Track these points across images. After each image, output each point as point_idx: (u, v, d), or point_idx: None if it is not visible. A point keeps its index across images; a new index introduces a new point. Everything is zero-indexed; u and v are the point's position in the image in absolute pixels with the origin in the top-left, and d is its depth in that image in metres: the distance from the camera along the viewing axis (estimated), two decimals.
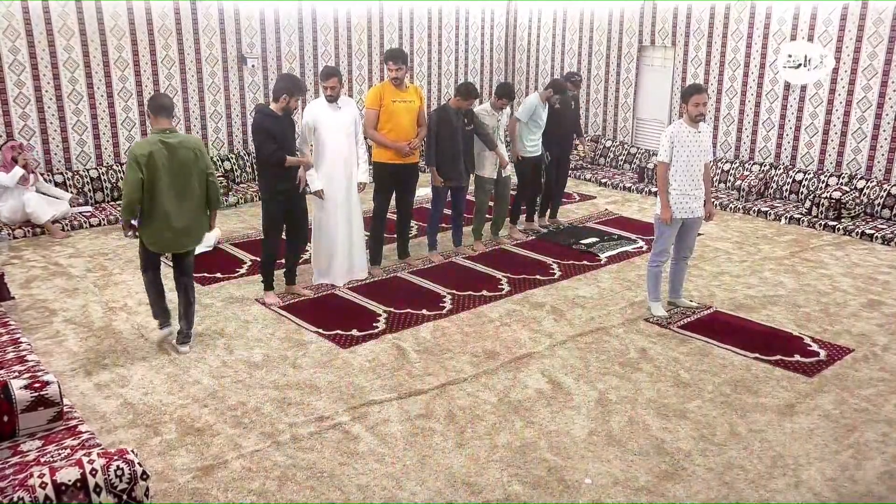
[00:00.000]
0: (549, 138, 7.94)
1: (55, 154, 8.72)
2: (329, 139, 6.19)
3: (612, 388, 4.77)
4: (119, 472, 2.96)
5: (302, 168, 5.94)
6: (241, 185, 9.75)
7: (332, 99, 6.16)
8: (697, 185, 5.70)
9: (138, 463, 3.04)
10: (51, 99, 8.55)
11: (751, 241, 7.91)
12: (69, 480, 2.86)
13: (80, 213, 8.31)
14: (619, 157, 11.19)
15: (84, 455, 3.03)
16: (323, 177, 6.16)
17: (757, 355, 5.23)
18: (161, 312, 5.36)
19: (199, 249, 6.41)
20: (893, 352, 5.33)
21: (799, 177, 9.17)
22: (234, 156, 9.91)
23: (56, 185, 8.44)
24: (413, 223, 7.41)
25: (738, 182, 9.33)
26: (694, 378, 4.92)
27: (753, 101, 9.73)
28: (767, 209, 8.84)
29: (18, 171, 7.62)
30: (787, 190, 9.24)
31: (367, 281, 6.62)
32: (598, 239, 7.88)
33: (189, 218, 5.03)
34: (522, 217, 8.30)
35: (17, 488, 2.85)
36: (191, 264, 5.27)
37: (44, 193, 8.06)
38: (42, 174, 8.30)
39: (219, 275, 6.72)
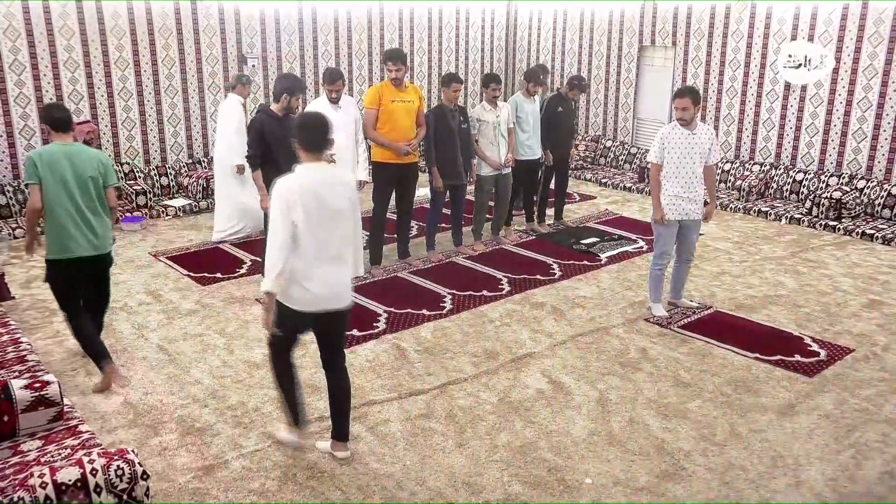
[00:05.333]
0: (551, 141, 7.94)
1: None
2: None
3: (612, 388, 4.77)
4: (119, 472, 2.95)
5: None
6: None
7: (335, 100, 6.17)
8: (691, 188, 5.65)
9: (138, 463, 3.04)
10: (51, 99, 8.54)
11: (751, 241, 7.90)
12: (69, 480, 2.86)
13: None
14: (620, 157, 11.18)
15: (84, 455, 3.03)
16: None
17: (757, 355, 5.22)
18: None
19: None
20: (894, 352, 5.33)
21: (799, 177, 9.17)
22: None
23: None
24: (413, 223, 7.41)
25: (739, 182, 9.33)
26: (694, 378, 4.91)
27: (754, 101, 9.72)
28: (768, 209, 8.84)
29: None
30: (787, 190, 9.24)
31: (367, 281, 6.61)
32: (598, 239, 7.88)
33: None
34: (523, 217, 8.30)
35: (17, 488, 2.85)
36: None
37: None
38: None
39: (219, 275, 6.72)
